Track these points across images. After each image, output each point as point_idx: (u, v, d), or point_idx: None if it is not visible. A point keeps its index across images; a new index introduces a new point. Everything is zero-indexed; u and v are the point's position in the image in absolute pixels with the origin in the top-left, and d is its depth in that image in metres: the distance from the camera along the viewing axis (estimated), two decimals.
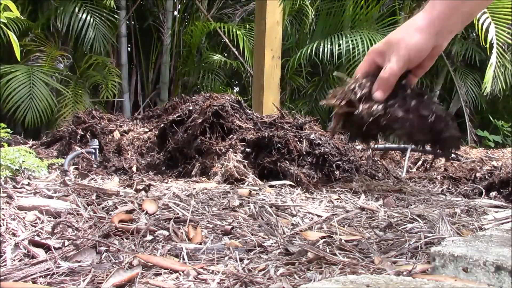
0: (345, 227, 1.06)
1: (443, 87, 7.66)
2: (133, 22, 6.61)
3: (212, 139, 1.78)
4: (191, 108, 1.93)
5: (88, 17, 5.36)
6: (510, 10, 4.26)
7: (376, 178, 1.96)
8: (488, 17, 4.31)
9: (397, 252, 0.88)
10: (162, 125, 2.02)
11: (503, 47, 4.42)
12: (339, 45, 4.53)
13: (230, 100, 1.93)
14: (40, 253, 0.79)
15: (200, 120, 1.81)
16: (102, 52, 5.54)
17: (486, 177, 1.76)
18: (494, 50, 4.31)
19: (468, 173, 1.88)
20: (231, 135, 1.80)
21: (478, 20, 4.32)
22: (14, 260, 0.76)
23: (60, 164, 1.88)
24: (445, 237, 0.94)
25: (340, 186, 1.69)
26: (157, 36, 6.40)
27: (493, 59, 4.34)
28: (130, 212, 1.06)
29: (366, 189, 1.61)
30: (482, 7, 1.38)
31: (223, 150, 1.72)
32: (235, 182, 1.57)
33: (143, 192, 1.29)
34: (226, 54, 6.76)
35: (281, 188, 1.51)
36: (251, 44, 5.20)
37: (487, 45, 4.28)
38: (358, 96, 1.26)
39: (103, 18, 5.48)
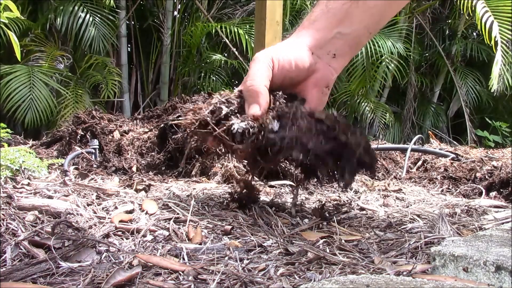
0: (345, 227, 1.06)
1: (443, 87, 7.66)
2: (133, 22, 6.61)
3: None
4: (191, 108, 1.92)
5: (88, 17, 5.36)
6: (511, 9, 4.28)
7: (376, 178, 1.96)
8: (490, 16, 4.33)
9: (397, 252, 0.88)
10: (162, 125, 2.02)
11: (507, 45, 4.43)
12: None
13: None
14: (40, 253, 0.79)
15: None
16: (102, 52, 5.54)
17: (486, 177, 1.76)
18: (499, 48, 4.31)
19: (468, 173, 1.88)
20: None
21: (481, 20, 4.34)
22: (14, 260, 0.76)
23: (60, 164, 1.88)
24: (445, 237, 0.94)
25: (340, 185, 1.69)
26: (157, 36, 6.40)
27: (498, 56, 4.35)
28: (130, 212, 1.06)
29: (366, 189, 1.61)
30: (368, 31, 1.10)
31: (223, 150, 1.72)
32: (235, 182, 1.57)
33: (143, 192, 1.29)
34: (226, 54, 6.76)
35: (281, 188, 1.51)
36: (253, 42, 5.20)
37: (492, 43, 4.29)
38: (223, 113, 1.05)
39: (103, 18, 5.48)
